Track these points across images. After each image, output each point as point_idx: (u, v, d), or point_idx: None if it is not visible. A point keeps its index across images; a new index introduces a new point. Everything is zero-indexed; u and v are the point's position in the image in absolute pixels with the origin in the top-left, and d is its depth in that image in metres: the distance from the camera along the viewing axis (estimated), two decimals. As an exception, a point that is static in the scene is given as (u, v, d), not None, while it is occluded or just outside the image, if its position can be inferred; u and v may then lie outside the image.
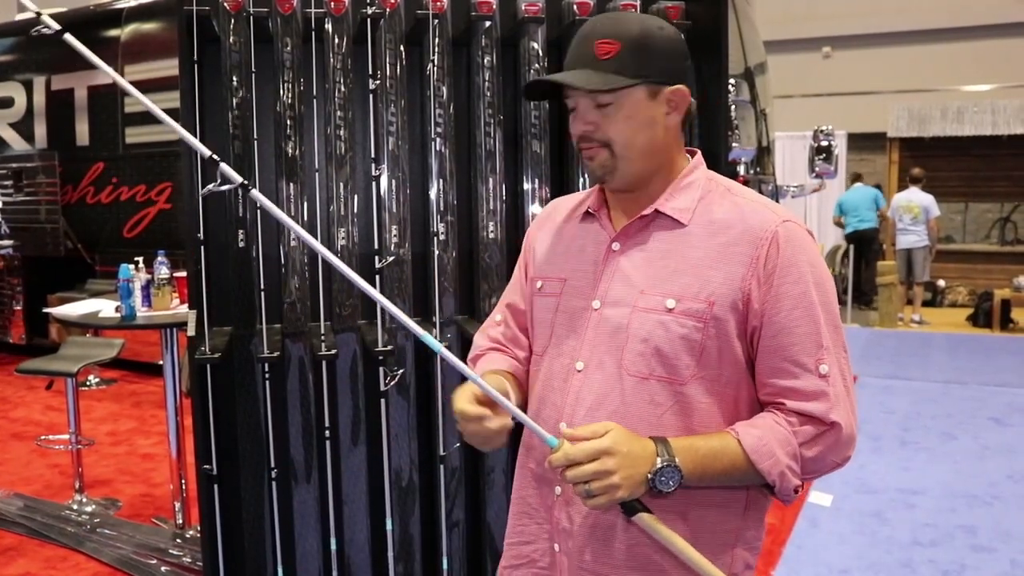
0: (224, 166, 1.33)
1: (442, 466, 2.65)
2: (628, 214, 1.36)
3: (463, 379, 1.30)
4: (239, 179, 1.32)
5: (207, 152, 1.32)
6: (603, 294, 1.34)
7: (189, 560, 3.39)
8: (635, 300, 1.30)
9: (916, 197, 9.05)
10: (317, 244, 1.37)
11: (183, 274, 3.42)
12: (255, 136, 2.50)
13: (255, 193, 1.33)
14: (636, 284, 1.31)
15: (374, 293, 1.35)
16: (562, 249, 1.44)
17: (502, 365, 1.50)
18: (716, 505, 1.31)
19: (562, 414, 1.34)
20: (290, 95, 2.52)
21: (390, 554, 2.68)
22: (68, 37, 1.34)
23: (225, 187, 1.36)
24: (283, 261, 2.55)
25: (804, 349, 1.24)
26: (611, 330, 1.31)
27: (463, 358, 1.34)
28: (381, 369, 2.56)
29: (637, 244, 1.33)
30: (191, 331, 2.50)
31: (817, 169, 6.62)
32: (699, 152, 1.39)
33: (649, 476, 1.19)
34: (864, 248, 9.88)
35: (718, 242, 1.28)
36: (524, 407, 1.44)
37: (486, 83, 2.63)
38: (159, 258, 3.66)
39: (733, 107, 4.72)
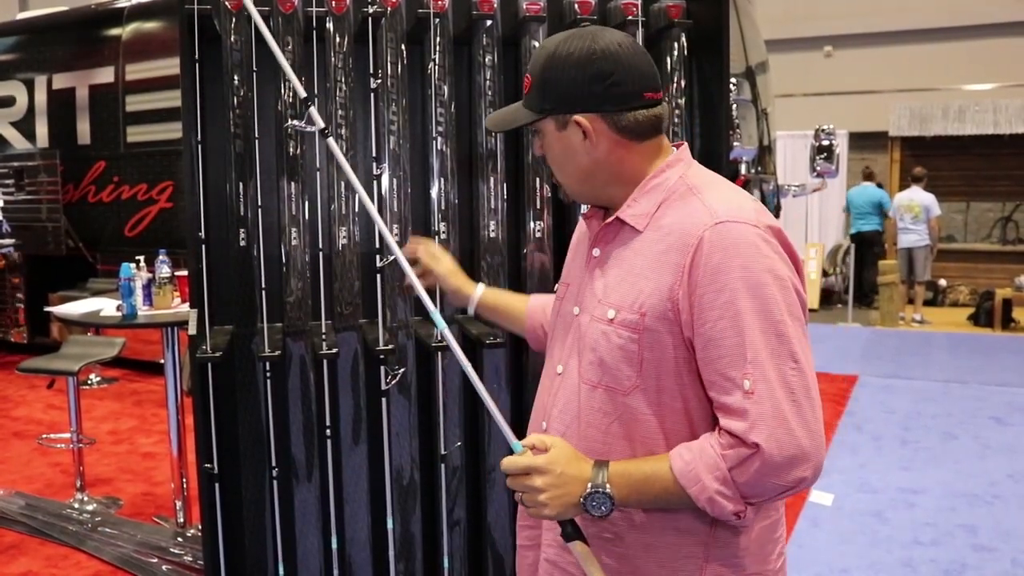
0: (313, 109, 1.40)
1: (443, 465, 2.65)
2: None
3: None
4: (321, 124, 1.40)
5: (303, 92, 1.40)
6: (581, 300, 1.37)
7: (190, 559, 3.40)
8: (593, 308, 1.32)
9: (917, 196, 9.05)
10: (374, 211, 1.44)
11: (184, 273, 3.42)
12: (256, 135, 2.50)
13: (330, 142, 1.40)
14: (596, 292, 1.33)
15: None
16: (574, 254, 1.49)
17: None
18: (675, 529, 1.28)
19: (544, 413, 1.40)
20: (291, 94, 2.52)
21: (391, 553, 2.68)
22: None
23: (306, 128, 1.44)
24: (284, 260, 2.55)
25: (731, 363, 1.17)
26: (580, 337, 1.34)
27: (463, 354, 1.42)
28: (383, 368, 2.57)
29: (607, 251, 1.35)
30: (192, 330, 2.50)
31: (818, 168, 6.62)
32: (684, 145, 1.36)
33: (581, 500, 1.21)
34: (865, 249, 9.88)
35: (657, 249, 1.25)
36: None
37: (487, 82, 2.63)
38: (160, 257, 3.67)
39: (734, 106, 4.72)
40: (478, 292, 1.79)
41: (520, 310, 1.75)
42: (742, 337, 1.17)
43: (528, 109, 1.33)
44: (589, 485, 1.20)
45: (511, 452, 1.27)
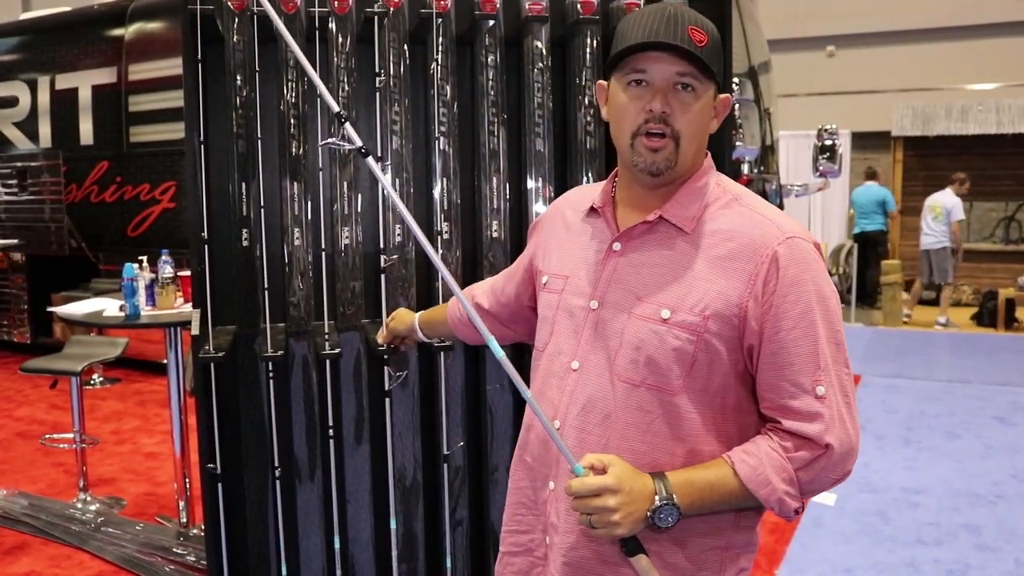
0: (349, 126, 1.35)
1: (445, 465, 2.65)
2: (635, 214, 1.35)
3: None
4: (359, 142, 1.33)
5: (336, 107, 1.33)
6: (601, 295, 1.34)
7: (193, 559, 3.40)
8: (632, 306, 1.30)
9: (941, 198, 8.86)
10: (417, 229, 1.37)
11: (187, 273, 3.42)
12: (259, 135, 2.50)
13: (370, 161, 1.33)
14: (633, 289, 1.31)
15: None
16: (568, 245, 1.44)
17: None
18: (705, 523, 1.30)
19: (557, 412, 1.36)
20: (294, 94, 2.52)
21: (394, 553, 2.68)
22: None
23: (343, 145, 1.40)
24: (287, 260, 2.55)
25: (802, 370, 1.23)
26: (607, 334, 1.32)
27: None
28: (385, 368, 2.57)
29: (638, 248, 1.32)
30: (195, 330, 2.50)
31: (821, 168, 6.62)
32: (709, 155, 1.38)
33: (648, 514, 1.21)
34: (869, 249, 9.86)
35: (717, 254, 1.26)
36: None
37: (490, 82, 2.63)
38: (163, 257, 3.67)
39: (737, 106, 4.72)
40: (415, 320, 1.98)
41: (443, 317, 1.89)
42: (815, 346, 1.23)
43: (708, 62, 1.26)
44: (656, 499, 1.21)
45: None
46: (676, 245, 1.29)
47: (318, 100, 2.59)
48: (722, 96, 1.33)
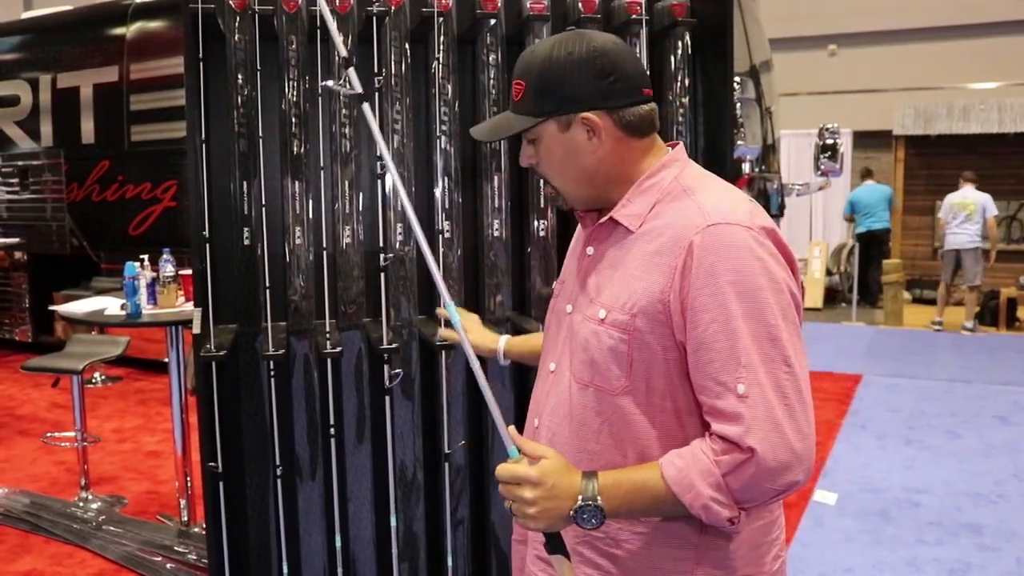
0: (352, 72, 1.33)
1: (447, 463, 2.65)
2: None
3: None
4: (359, 88, 1.33)
5: (344, 51, 1.34)
6: (574, 298, 1.37)
7: (194, 557, 3.40)
8: (586, 307, 1.32)
9: (971, 195, 8.61)
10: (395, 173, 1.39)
11: (188, 272, 3.42)
12: (260, 134, 2.50)
13: (365, 107, 1.32)
14: (588, 291, 1.33)
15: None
16: (570, 255, 1.50)
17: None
18: (668, 532, 1.26)
19: (537, 411, 1.41)
20: (295, 93, 2.52)
21: (394, 551, 2.68)
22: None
23: (343, 89, 1.42)
24: (288, 259, 2.55)
25: (723, 367, 1.16)
26: (572, 335, 1.34)
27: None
28: (386, 367, 2.57)
29: (601, 251, 1.34)
30: (196, 329, 2.50)
31: (822, 167, 6.60)
32: (679, 145, 1.35)
33: (571, 513, 1.18)
34: (874, 249, 9.83)
35: (649, 250, 1.24)
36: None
37: (491, 81, 2.63)
38: (164, 256, 3.67)
39: (738, 105, 4.71)
40: (502, 344, 1.85)
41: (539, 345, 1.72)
42: (734, 341, 1.15)
43: (524, 115, 1.30)
44: (580, 498, 1.17)
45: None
46: (623, 245, 1.29)
47: (319, 99, 2.59)
48: (580, 116, 1.26)
